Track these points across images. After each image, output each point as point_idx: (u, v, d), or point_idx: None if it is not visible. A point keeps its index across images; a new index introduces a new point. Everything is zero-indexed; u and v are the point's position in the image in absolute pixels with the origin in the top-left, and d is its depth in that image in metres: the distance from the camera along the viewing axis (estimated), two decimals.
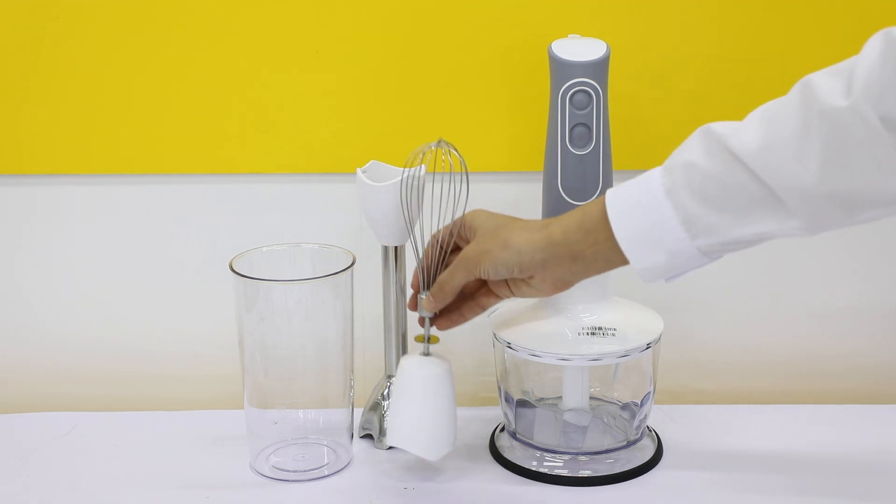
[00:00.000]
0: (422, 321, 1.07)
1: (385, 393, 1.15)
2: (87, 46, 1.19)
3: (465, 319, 1.05)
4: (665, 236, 0.91)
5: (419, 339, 1.07)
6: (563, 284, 0.98)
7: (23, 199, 1.24)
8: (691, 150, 0.91)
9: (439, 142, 1.04)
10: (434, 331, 1.07)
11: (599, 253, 0.94)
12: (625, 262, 0.94)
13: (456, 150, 1.04)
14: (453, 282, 1.01)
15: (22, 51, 1.19)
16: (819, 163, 0.84)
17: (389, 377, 1.15)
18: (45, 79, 1.20)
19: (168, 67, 1.20)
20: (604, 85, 1.05)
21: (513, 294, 1.02)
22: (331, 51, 1.19)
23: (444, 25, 1.18)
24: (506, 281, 1.01)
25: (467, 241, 1.03)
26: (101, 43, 1.19)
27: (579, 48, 1.05)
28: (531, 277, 0.98)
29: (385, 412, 1.14)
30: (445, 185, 1.03)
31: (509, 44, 1.18)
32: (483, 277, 1.01)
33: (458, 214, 1.04)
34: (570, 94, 1.04)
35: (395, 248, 1.12)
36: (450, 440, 1.08)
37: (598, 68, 1.05)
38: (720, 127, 0.91)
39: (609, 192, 0.94)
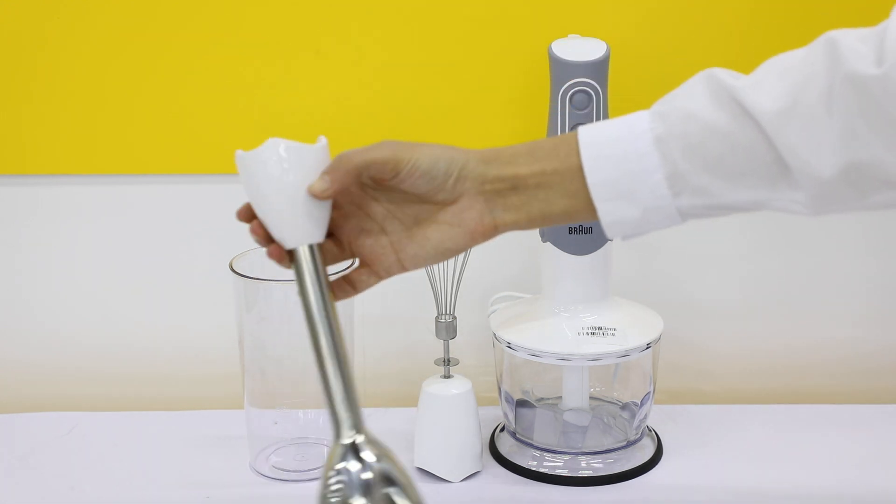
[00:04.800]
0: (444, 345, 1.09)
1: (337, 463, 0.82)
2: (88, 47, 1.19)
3: (356, 290, 0.87)
4: (643, 190, 0.79)
5: (439, 362, 1.10)
6: (488, 225, 0.82)
7: (23, 199, 1.24)
8: (694, 97, 0.80)
9: None
10: (454, 353, 1.08)
11: (544, 186, 0.81)
12: (574, 207, 0.80)
13: None
14: (363, 157, 0.81)
15: (23, 51, 1.19)
16: (839, 133, 0.75)
17: (338, 436, 0.82)
18: (46, 79, 1.20)
19: (169, 68, 1.20)
20: (604, 85, 1.05)
21: (399, 251, 0.84)
22: (331, 51, 1.19)
23: (444, 26, 1.18)
24: (402, 226, 0.84)
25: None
26: (102, 44, 1.19)
27: (579, 48, 1.05)
28: (454, 202, 0.83)
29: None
30: None
31: (509, 44, 1.18)
32: (402, 172, 0.82)
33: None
34: (570, 94, 1.04)
35: (312, 250, 0.84)
36: (475, 461, 1.09)
37: (598, 68, 1.05)
38: (728, 77, 0.80)
39: (582, 128, 0.81)
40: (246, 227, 1.23)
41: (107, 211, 1.25)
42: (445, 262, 1.07)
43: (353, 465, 0.79)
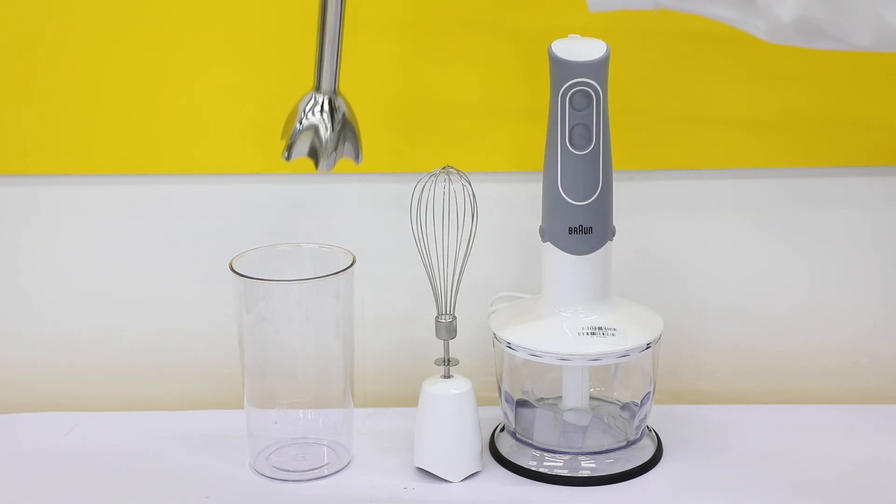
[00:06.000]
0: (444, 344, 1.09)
1: (316, 108, 1.03)
2: (87, 47, 1.19)
3: None
4: None
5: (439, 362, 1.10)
6: None
7: (23, 199, 1.24)
8: None
9: (446, 168, 1.05)
10: (454, 353, 1.09)
11: None
12: None
13: (464, 175, 1.06)
14: None
15: (21, 50, 1.19)
16: None
17: (318, 90, 1.02)
18: (45, 79, 1.20)
19: (168, 67, 1.20)
20: (604, 85, 1.05)
21: None
22: None
23: (443, 25, 1.18)
24: None
25: None
26: (101, 43, 1.19)
27: (579, 48, 1.05)
28: None
29: (322, 127, 1.03)
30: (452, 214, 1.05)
31: (509, 44, 1.18)
32: None
33: (466, 243, 1.06)
34: (570, 94, 1.04)
35: None
36: (475, 461, 1.09)
37: (598, 68, 1.05)
38: None
39: None
40: (245, 227, 1.24)
41: (106, 211, 1.25)
42: (445, 262, 1.08)
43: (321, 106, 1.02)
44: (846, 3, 0.81)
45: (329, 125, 1.02)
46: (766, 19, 0.84)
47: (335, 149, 1.02)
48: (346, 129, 1.03)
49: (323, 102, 1.02)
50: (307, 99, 1.02)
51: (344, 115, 1.02)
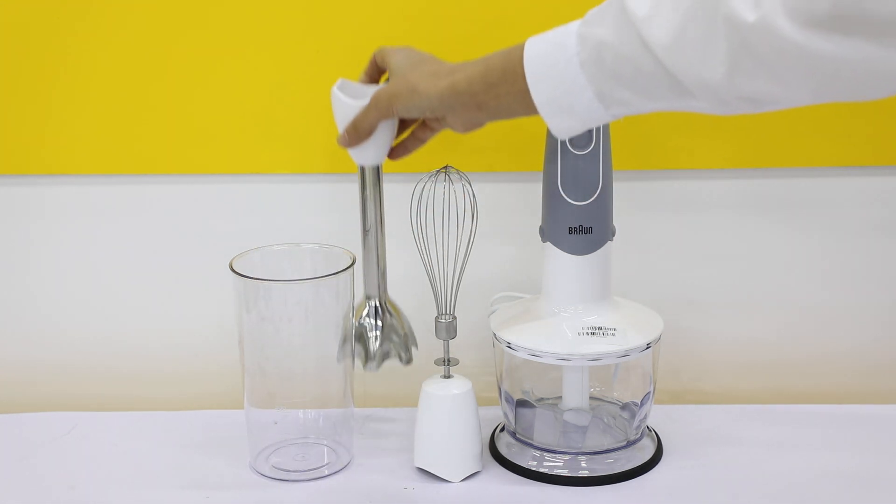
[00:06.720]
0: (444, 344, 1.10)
1: (364, 315, 1.10)
2: (89, 49, 1.19)
3: (409, 152, 1.07)
4: (579, 105, 0.91)
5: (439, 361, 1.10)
6: (474, 126, 0.99)
7: (23, 200, 1.24)
8: (605, 25, 0.89)
9: (446, 168, 1.06)
10: (454, 353, 1.08)
11: (503, 105, 0.95)
12: (528, 114, 0.94)
13: (464, 175, 1.06)
14: (367, 121, 1.02)
15: (24, 53, 1.19)
16: (726, 68, 0.83)
17: (368, 298, 1.09)
18: (50, 81, 1.20)
19: (169, 69, 1.20)
20: None
21: (437, 129, 1.04)
22: (331, 50, 1.19)
23: (444, 25, 1.18)
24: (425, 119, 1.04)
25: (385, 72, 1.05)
26: (102, 46, 1.19)
27: None
28: (444, 118, 1.00)
29: (369, 334, 1.10)
30: (452, 210, 1.06)
31: (509, 44, 1.18)
32: (398, 117, 1.02)
33: (466, 243, 1.06)
34: None
35: (375, 168, 1.06)
36: (475, 461, 1.09)
37: None
38: (635, 5, 0.87)
39: (527, 51, 0.93)
40: (245, 227, 1.24)
41: (107, 211, 1.25)
42: (445, 262, 1.08)
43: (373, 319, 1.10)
44: (773, 60, 0.82)
45: (376, 331, 1.09)
46: (705, 100, 0.87)
47: (380, 351, 1.09)
48: (391, 334, 1.10)
49: (369, 310, 1.09)
50: (358, 306, 1.09)
51: (390, 319, 1.09)
